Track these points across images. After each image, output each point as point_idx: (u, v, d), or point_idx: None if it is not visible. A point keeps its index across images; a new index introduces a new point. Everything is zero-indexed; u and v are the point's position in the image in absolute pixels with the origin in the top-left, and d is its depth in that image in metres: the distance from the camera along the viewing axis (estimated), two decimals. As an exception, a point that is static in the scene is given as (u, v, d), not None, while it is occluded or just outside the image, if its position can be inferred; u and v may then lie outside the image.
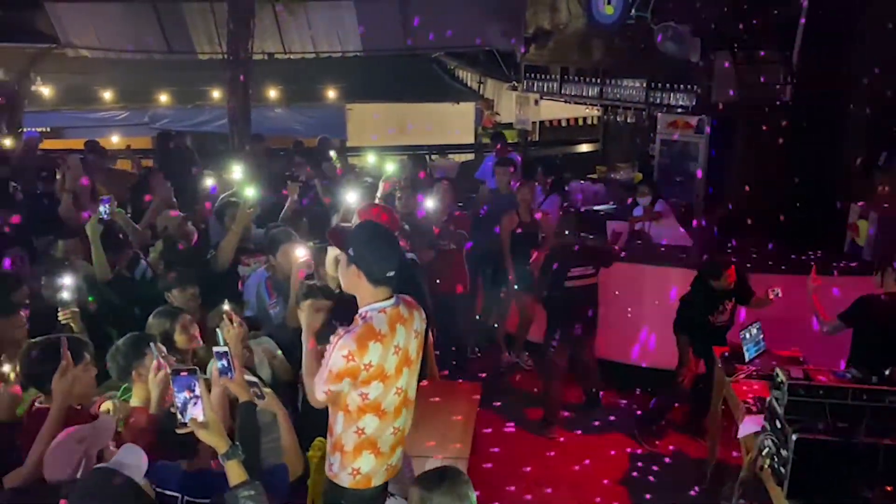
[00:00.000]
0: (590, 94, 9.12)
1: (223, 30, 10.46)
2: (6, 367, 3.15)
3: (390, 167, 6.40)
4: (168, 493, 2.66)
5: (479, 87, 14.64)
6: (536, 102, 10.41)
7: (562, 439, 5.85)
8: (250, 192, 4.92)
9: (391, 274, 2.79)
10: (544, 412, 6.03)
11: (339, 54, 12.90)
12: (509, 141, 10.25)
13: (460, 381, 6.03)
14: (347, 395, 2.79)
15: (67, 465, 2.57)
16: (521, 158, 9.36)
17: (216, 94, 13.61)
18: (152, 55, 12.96)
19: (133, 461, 2.37)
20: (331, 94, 14.36)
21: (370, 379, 2.75)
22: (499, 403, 6.33)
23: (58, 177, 6.40)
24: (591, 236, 5.94)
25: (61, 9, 12.13)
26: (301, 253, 4.10)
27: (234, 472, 2.41)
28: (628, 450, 5.69)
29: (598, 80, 8.91)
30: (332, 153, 8.88)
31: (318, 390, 2.79)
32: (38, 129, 13.61)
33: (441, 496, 2.30)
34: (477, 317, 7.06)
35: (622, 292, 6.19)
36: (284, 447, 3.08)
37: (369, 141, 13.29)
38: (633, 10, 8.07)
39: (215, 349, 2.73)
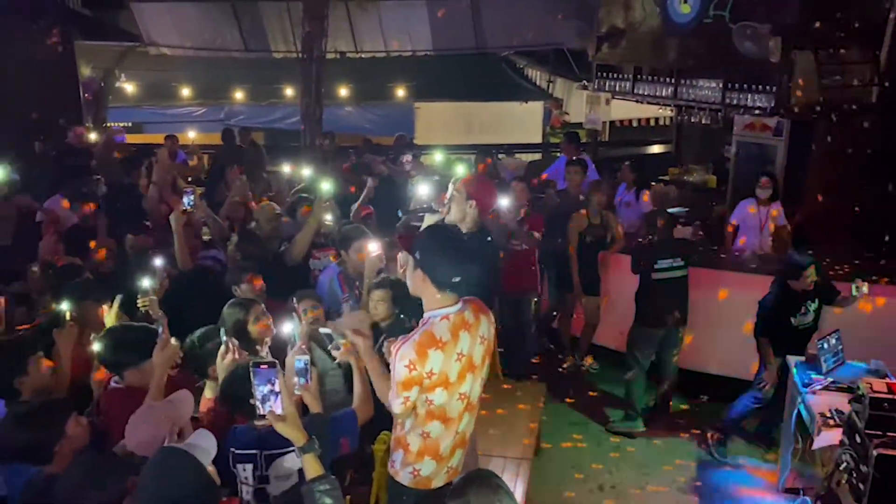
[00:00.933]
0: (663, 94, 8.92)
1: (298, 29, 10.69)
2: (97, 347, 3.31)
3: (461, 169, 6.40)
4: (248, 452, 2.83)
5: (549, 86, 14.55)
6: (607, 102, 10.25)
7: (629, 448, 5.76)
8: (326, 187, 4.99)
9: (457, 280, 2.75)
10: (626, 409, 5.96)
11: (409, 53, 13.02)
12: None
13: (525, 382, 6.00)
14: (416, 401, 2.79)
15: (153, 437, 2.69)
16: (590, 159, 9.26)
17: (289, 91, 13.95)
18: (230, 53, 13.35)
19: (205, 445, 2.45)
20: (400, 92, 14.53)
21: (433, 386, 2.73)
22: (562, 406, 6.29)
23: (142, 170, 6.66)
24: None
25: (145, 9, 12.63)
26: (373, 249, 4.15)
27: (311, 466, 2.44)
28: (696, 458, 5.55)
29: (673, 80, 8.71)
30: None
31: (395, 404, 2.76)
32: (121, 124, 14.21)
33: (477, 496, 2.31)
34: (542, 318, 7.02)
35: (695, 298, 6.05)
36: (356, 392, 3.17)
37: (437, 139, 13.36)
38: (710, 9, 7.85)
39: (297, 358, 2.78)
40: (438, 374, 2.71)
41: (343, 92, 14.19)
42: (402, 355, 2.68)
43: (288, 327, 3.58)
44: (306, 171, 6.47)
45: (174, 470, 2.33)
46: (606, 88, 9.80)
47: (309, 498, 2.39)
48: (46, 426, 2.73)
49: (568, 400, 6.38)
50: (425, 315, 2.80)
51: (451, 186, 5.82)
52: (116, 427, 2.88)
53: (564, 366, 6.92)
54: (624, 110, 13.05)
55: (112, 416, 3.05)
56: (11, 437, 2.71)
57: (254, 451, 2.86)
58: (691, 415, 6.17)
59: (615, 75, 9.65)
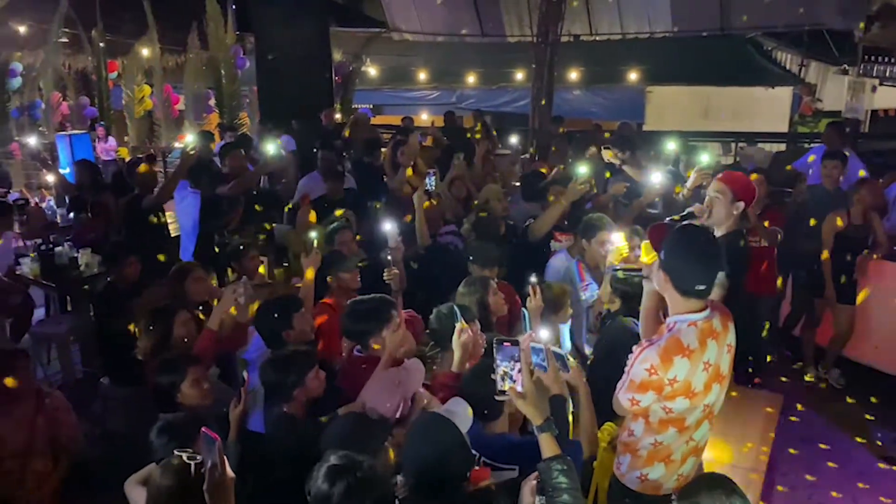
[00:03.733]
0: (946, 79, 7.77)
1: (535, 13, 10.74)
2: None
3: (705, 157, 6.00)
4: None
5: (800, 70, 13.28)
6: (874, 89, 9.14)
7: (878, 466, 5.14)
8: (582, 170, 4.96)
9: (702, 288, 2.56)
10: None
11: (646, 35, 12.57)
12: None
13: (758, 390, 5.58)
14: (651, 407, 2.66)
15: (388, 402, 2.89)
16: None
17: (519, 75, 14.10)
18: (465, 38, 13.79)
19: (461, 412, 2.57)
20: (632, 76, 14.07)
21: (675, 395, 2.58)
22: (799, 420, 5.76)
23: (387, 150, 7.07)
24: None
25: (392, -4, 13.41)
26: (616, 240, 4.07)
27: (548, 445, 2.44)
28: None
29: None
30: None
31: (622, 398, 2.67)
32: (364, 106, 15.28)
33: (709, 497, 2.21)
34: (781, 323, 6.46)
35: None
36: (582, 424, 3.08)
37: (669, 125, 12.77)
38: None
39: (532, 344, 2.75)
40: (682, 382, 2.57)
41: (572, 75, 14.03)
42: (644, 358, 2.57)
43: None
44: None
45: (436, 434, 2.45)
46: (874, 74, 8.76)
47: (546, 475, 2.39)
48: (290, 371, 3.06)
49: (807, 414, 5.83)
50: (670, 319, 2.64)
51: (693, 175, 5.53)
52: (357, 393, 3.11)
53: (806, 377, 6.33)
54: (891, 98, 11.54)
55: (353, 381, 3.26)
56: (264, 375, 3.11)
57: (474, 453, 2.81)
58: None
59: (886, 59, 8.57)
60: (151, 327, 3.77)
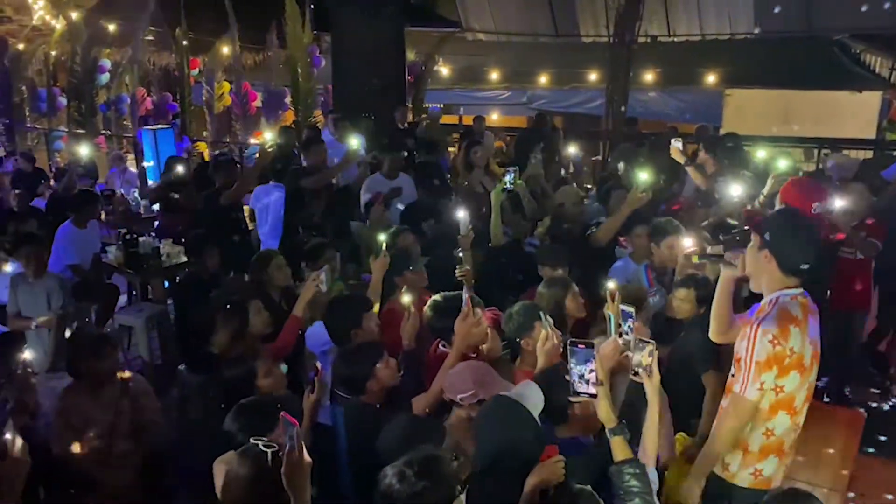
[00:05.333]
0: None
1: (611, 12, 10.58)
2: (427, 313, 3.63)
3: (783, 163, 5.81)
4: None
5: (892, 74, 12.65)
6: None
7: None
8: (644, 177, 4.90)
9: (805, 267, 2.68)
10: None
11: (726, 36, 12.23)
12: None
13: (840, 407, 5.36)
14: (767, 388, 2.72)
15: (460, 392, 2.90)
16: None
17: (593, 76, 13.90)
18: (539, 38, 13.69)
19: (533, 397, 2.58)
20: (710, 78, 13.67)
21: (790, 368, 2.66)
22: (883, 439, 5.49)
23: (459, 150, 7.12)
24: None
25: (467, -5, 13.43)
26: (687, 245, 3.98)
27: (620, 449, 2.46)
28: None
29: None
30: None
31: (751, 390, 2.69)
32: (435, 105, 15.32)
33: None
34: (868, 339, 6.18)
35: None
36: (655, 428, 3.02)
37: (748, 129, 12.36)
38: None
39: (622, 308, 2.82)
40: (797, 353, 2.66)
41: (648, 76, 13.74)
42: (764, 330, 2.63)
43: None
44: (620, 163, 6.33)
45: (507, 418, 2.48)
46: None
47: (617, 478, 2.41)
48: (360, 364, 3.13)
49: (882, 430, 5.55)
50: (770, 296, 2.73)
51: (769, 182, 5.35)
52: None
53: (892, 395, 6.04)
54: None
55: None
56: (337, 370, 3.19)
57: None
58: None
59: None
60: (227, 320, 3.89)
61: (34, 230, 5.99)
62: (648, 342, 2.59)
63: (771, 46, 12.36)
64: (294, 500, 2.08)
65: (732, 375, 2.84)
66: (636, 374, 2.55)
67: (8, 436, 2.33)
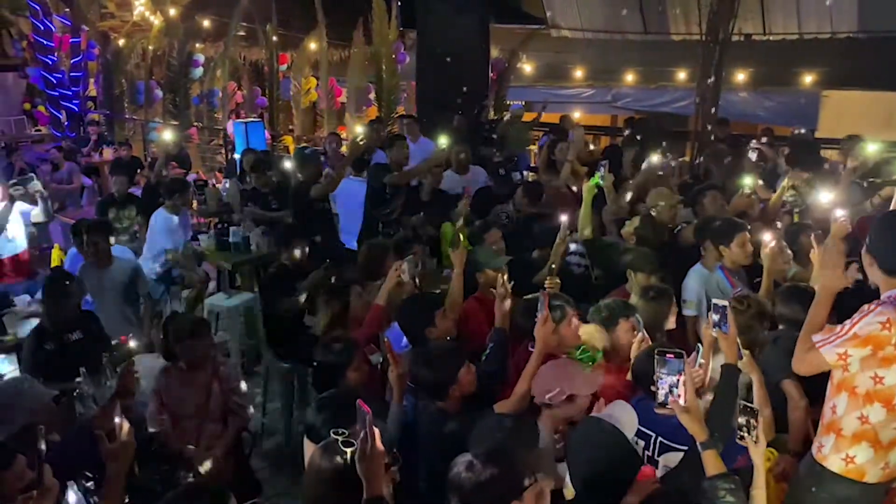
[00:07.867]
0: None
1: (704, 10, 10.25)
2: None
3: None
4: (645, 430, 2.83)
5: None
6: None
7: None
8: (748, 181, 4.77)
9: None
10: None
11: (826, 35, 11.66)
12: None
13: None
14: (858, 375, 2.65)
15: (547, 392, 2.88)
16: None
17: (682, 75, 13.52)
18: (626, 36, 13.40)
19: (624, 417, 2.55)
20: (807, 79, 13.08)
21: (891, 360, 2.58)
22: None
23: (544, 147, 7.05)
24: None
25: (554, -8, 13.27)
26: (768, 240, 3.92)
27: (712, 463, 2.41)
28: None
29: None
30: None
31: (829, 351, 2.61)
32: (517, 102, 15.20)
33: None
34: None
35: None
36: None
37: (845, 133, 11.77)
38: None
39: (714, 301, 2.82)
40: None
41: (740, 76, 13.24)
42: (880, 311, 2.58)
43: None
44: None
45: (601, 440, 2.46)
46: None
47: (711, 493, 2.34)
48: (443, 368, 3.07)
49: None
50: (885, 295, 2.68)
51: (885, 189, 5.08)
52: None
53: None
54: None
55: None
56: (419, 373, 3.10)
57: (650, 433, 2.84)
58: None
59: None
60: (329, 303, 3.96)
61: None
62: (753, 407, 2.51)
63: (875, 46, 11.72)
64: (366, 486, 2.09)
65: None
66: (741, 438, 2.48)
67: (117, 419, 2.42)
